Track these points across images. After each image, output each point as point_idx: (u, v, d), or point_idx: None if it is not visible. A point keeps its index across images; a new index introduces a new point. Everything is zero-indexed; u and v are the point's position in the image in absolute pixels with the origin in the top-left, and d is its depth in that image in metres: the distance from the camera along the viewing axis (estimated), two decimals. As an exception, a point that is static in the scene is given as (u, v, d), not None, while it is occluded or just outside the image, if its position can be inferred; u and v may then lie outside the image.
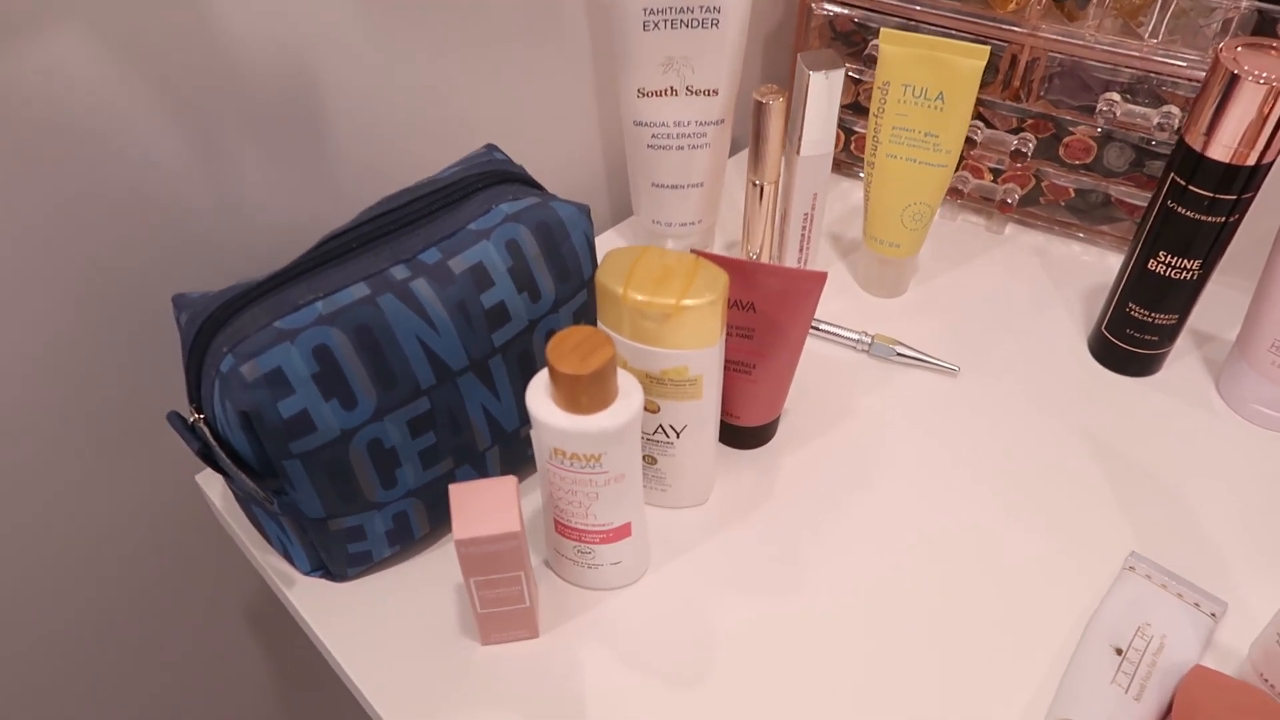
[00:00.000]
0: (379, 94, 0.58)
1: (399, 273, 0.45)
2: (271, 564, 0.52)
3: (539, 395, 0.43)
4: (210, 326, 0.44)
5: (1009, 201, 0.71)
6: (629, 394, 0.43)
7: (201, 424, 0.44)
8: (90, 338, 0.53)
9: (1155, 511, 0.54)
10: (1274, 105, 0.48)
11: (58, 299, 0.51)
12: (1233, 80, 0.49)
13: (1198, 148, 0.52)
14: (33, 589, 0.58)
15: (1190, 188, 0.53)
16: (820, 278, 0.49)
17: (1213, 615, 0.48)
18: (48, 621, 0.60)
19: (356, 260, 0.46)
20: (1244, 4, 0.60)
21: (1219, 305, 0.66)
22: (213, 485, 0.56)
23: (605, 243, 0.74)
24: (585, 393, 0.41)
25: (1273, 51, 0.50)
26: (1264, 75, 0.48)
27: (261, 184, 0.56)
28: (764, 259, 0.66)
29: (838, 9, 0.71)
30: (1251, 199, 0.53)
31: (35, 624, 0.60)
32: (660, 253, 0.46)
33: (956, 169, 0.73)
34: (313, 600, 0.51)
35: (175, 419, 0.45)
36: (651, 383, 0.47)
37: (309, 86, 0.55)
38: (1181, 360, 0.63)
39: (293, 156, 0.56)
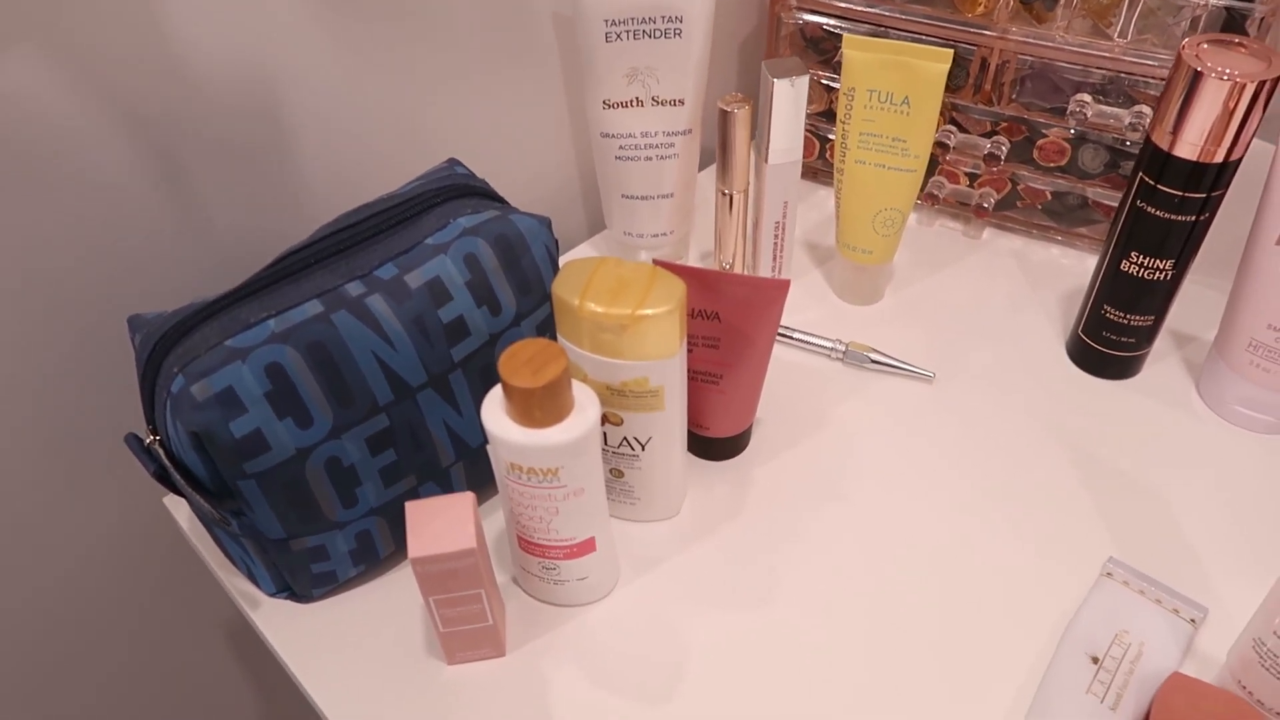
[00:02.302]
0: (344, 111, 0.58)
1: (354, 289, 0.45)
2: (237, 586, 0.52)
3: (494, 410, 0.42)
4: (162, 347, 0.43)
5: (985, 206, 0.71)
6: (585, 407, 0.42)
7: (156, 445, 0.44)
8: (52, 360, 0.53)
9: (1134, 516, 0.53)
10: (1239, 101, 0.48)
11: (20, 321, 0.50)
12: (1196, 77, 0.48)
13: (1165, 146, 0.51)
14: (4, 613, 0.58)
15: (1159, 187, 0.52)
16: (784, 285, 0.49)
17: (1192, 621, 0.48)
18: (21, 645, 0.59)
19: (311, 277, 0.45)
20: (1212, 2, 0.60)
21: (1197, 306, 0.65)
22: (179, 508, 0.56)
23: (581, 255, 0.73)
24: (539, 406, 0.40)
25: (1238, 48, 0.49)
26: (1227, 71, 0.48)
27: (224, 202, 0.56)
28: (737, 268, 0.65)
29: (808, 16, 0.71)
30: (1222, 196, 0.52)
31: (8, 648, 0.59)
32: (617, 263, 0.46)
33: (931, 174, 0.73)
34: (278, 622, 0.50)
35: (132, 440, 0.44)
36: (612, 395, 0.47)
37: (272, 104, 0.55)
38: (1161, 362, 0.62)
39: (256, 174, 0.56)
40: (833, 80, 0.73)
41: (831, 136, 0.76)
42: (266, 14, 0.52)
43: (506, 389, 0.41)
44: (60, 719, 0.64)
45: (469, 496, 0.43)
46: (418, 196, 0.49)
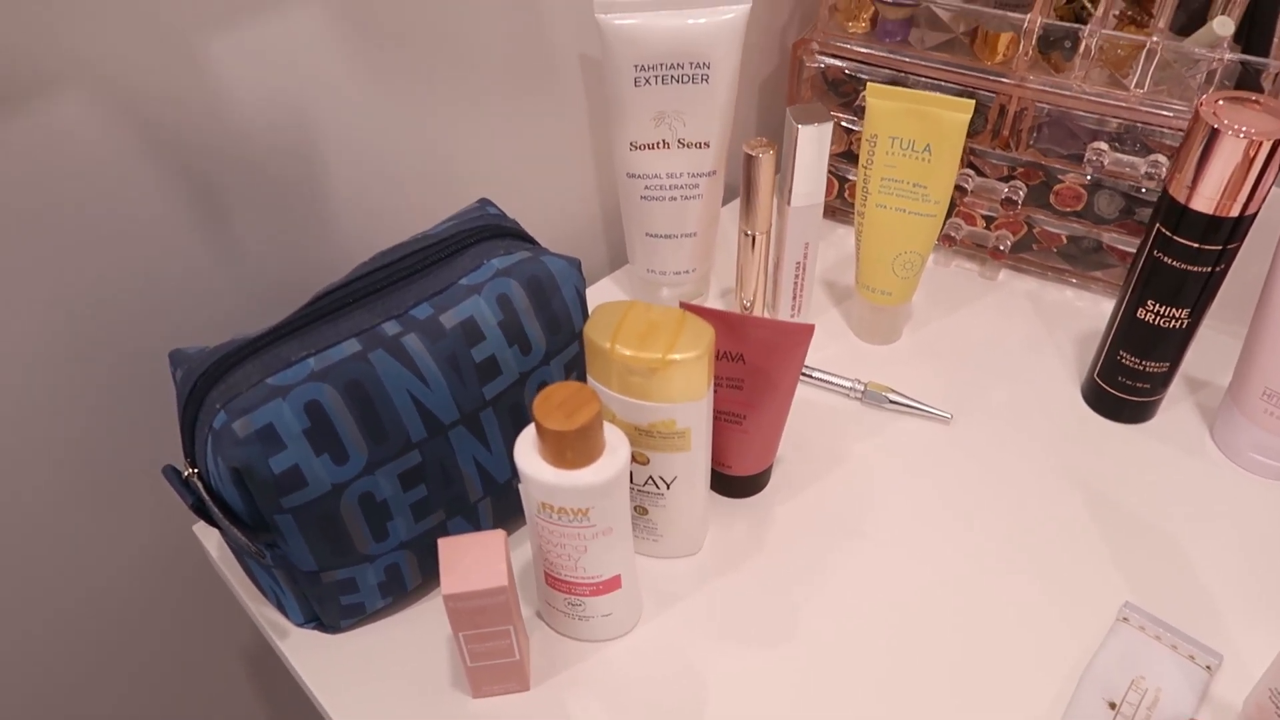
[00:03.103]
0: (376, 149, 0.60)
1: (390, 328, 0.46)
2: (265, 615, 0.53)
3: (527, 450, 0.43)
4: (204, 383, 0.44)
5: (1001, 248, 0.72)
6: (615, 448, 0.43)
7: (195, 478, 0.45)
8: (91, 391, 0.54)
9: (1149, 561, 0.54)
10: (1255, 158, 0.49)
11: (59, 352, 0.52)
12: (1213, 134, 0.49)
13: (1181, 199, 0.52)
14: (30, 636, 0.59)
15: (1176, 238, 0.53)
16: (808, 330, 0.50)
17: (1208, 668, 0.48)
18: (45, 670, 0.60)
19: (349, 316, 0.47)
20: (1228, 56, 0.61)
21: (1212, 351, 0.66)
22: (209, 536, 0.57)
23: (602, 291, 0.74)
24: (571, 448, 0.41)
25: (1253, 105, 0.51)
26: (1244, 129, 0.49)
27: (259, 239, 0.57)
28: (758, 307, 0.66)
29: (830, 60, 0.72)
30: (1237, 249, 0.53)
31: (32, 672, 0.60)
32: (646, 307, 0.47)
33: (948, 216, 0.74)
34: (305, 652, 0.51)
35: (170, 473, 0.45)
36: (640, 435, 0.48)
37: (306, 142, 0.56)
38: (1175, 407, 0.63)
39: (290, 211, 0.57)
40: (852, 123, 0.74)
41: (850, 177, 0.77)
42: (304, 56, 0.53)
43: (540, 431, 0.42)
44: (82, 741, 0.65)
45: (500, 534, 0.44)
46: (452, 237, 0.50)
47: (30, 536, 0.55)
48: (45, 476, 0.54)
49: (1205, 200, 0.51)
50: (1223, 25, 0.60)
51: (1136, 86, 0.64)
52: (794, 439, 0.61)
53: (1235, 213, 0.51)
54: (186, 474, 0.45)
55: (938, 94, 0.58)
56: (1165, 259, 0.54)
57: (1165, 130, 0.63)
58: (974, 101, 0.57)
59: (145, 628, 0.64)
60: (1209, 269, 0.54)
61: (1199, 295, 0.55)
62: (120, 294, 0.53)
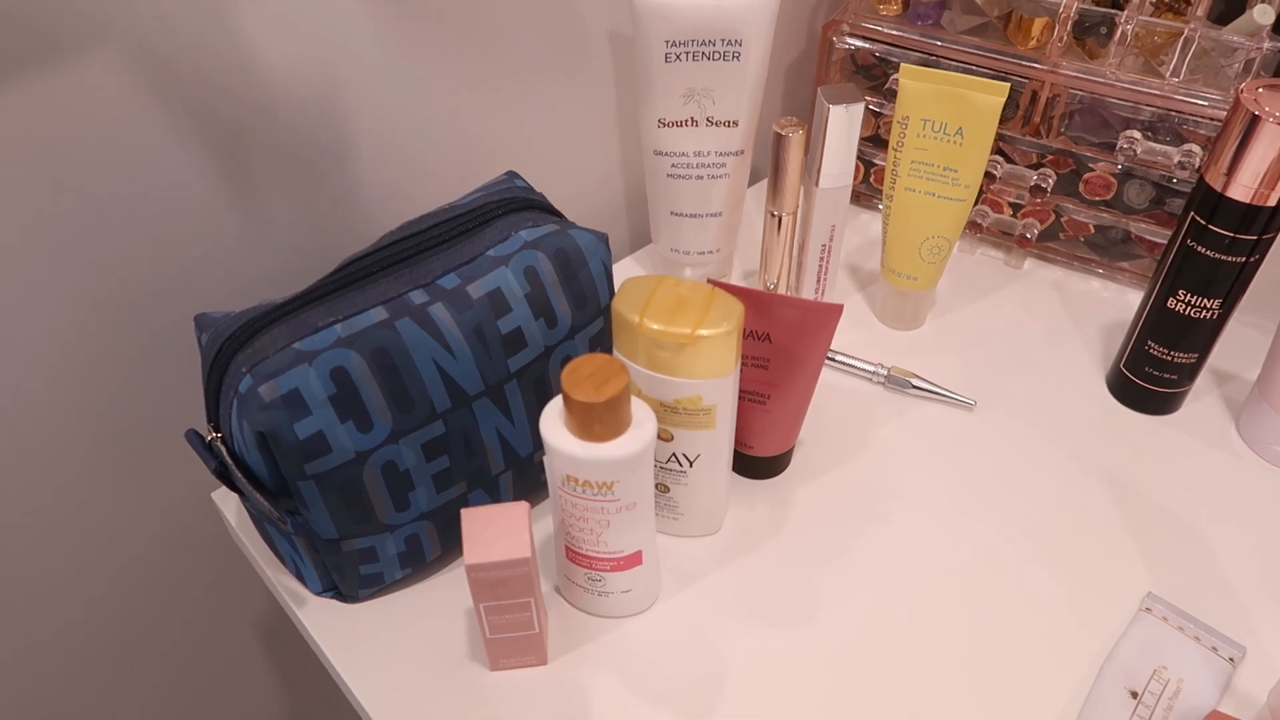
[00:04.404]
0: (403, 119, 0.59)
1: (417, 297, 0.46)
2: (283, 583, 0.53)
3: (553, 422, 0.43)
4: (230, 347, 0.44)
5: (1028, 236, 0.71)
6: (642, 422, 0.43)
7: (219, 443, 0.45)
8: (113, 354, 0.54)
9: (1173, 552, 0.54)
10: (1295, 146, 0.48)
11: (83, 315, 0.52)
12: (1254, 121, 0.49)
13: (1218, 187, 0.52)
14: (47, 602, 0.59)
15: (1210, 227, 0.53)
16: (836, 310, 0.50)
17: (1231, 660, 0.48)
18: (61, 636, 0.61)
19: (376, 284, 0.46)
20: (1266, 45, 0.60)
21: (1240, 344, 0.65)
22: (228, 503, 0.57)
23: (623, 270, 0.74)
24: (599, 421, 0.41)
25: (1295, 93, 0.50)
26: (1285, 116, 0.48)
27: (286, 205, 0.57)
28: (781, 289, 0.66)
29: (859, 43, 0.72)
30: (1273, 239, 0.53)
31: (49, 638, 0.60)
32: (676, 282, 0.46)
33: (975, 203, 0.73)
34: (323, 620, 0.51)
35: (193, 437, 0.45)
36: (665, 411, 0.48)
37: (335, 111, 0.56)
38: (1201, 399, 0.63)
39: (317, 179, 0.57)
40: (880, 106, 0.74)
41: (877, 161, 0.77)
42: (334, 23, 0.53)
43: (568, 402, 0.41)
44: (88, 703, 0.65)
45: (523, 506, 0.44)
46: (479, 208, 0.50)
47: (47, 499, 0.55)
48: (71, 446, 0.54)
49: (1242, 188, 0.51)
50: (1263, 14, 0.59)
51: (1172, 75, 0.63)
52: (816, 422, 0.60)
53: (1272, 202, 0.50)
54: (210, 438, 0.45)
55: (971, 76, 0.58)
56: (1198, 248, 0.54)
57: (1200, 119, 0.62)
58: (1009, 85, 0.57)
59: (163, 595, 0.64)
60: (1243, 259, 0.53)
61: (1231, 286, 0.54)
62: (146, 262, 0.52)
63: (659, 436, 0.49)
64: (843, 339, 0.67)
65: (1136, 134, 0.64)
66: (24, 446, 0.53)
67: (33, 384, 0.51)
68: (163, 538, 0.62)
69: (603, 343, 0.52)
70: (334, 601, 0.52)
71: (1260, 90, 0.50)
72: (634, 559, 0.47)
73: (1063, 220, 0.71)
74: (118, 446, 0.57)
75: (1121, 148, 0.65)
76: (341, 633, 0.50)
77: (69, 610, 0.60)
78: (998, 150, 0.71)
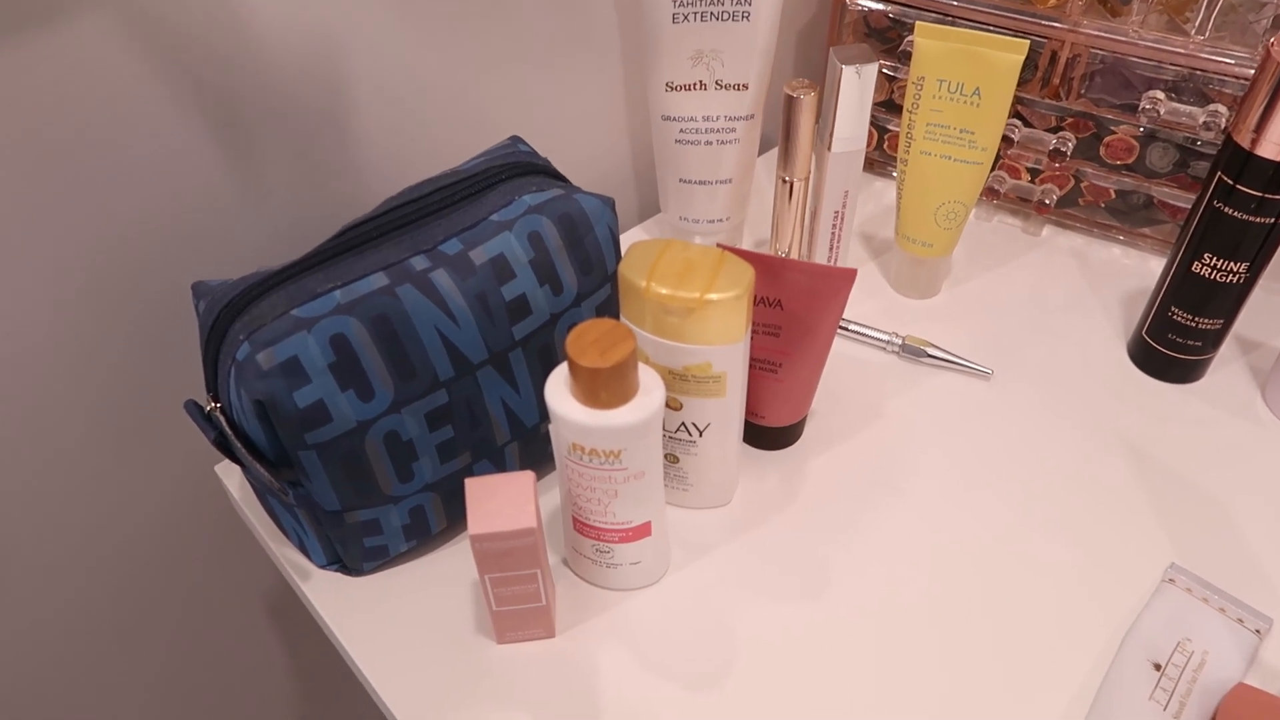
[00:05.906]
0: (405, 84, 0.58)
1: (419, 263, 0.45)
2: (287, 556, 0.52)
3: (558, 389, 0.42)
4: (227, 314, 0.43)
5: (1046, 202, 0.70)
6: (650, 389, 0.42)
7: (218, 413, 0.44)
8: (111, 324, 0.53)
9: (1196, 523, 0.52)
10: (1328, 101, 0.46)
11: (79, 284, 0.51)
12: (1285, 75, 0.47)
13: (1246, 145, 0.50)
14: (48, 579, 0.58)
15: (1238, 187, 0.51)
16: (850, 275, 0.48)
17: (1257, 632, 0.46)
18: (63, 612, 0.60)
19: (376, 250, 0.45)
20: (1296, -1, 0.58)
21: (1266, 311, 0.63)
22: (231, 476, 0.56)
23: (632, 239, 0.73)
24: (605, 387, 0.40)
25: (1327, 46, 0.48)
26: (1318, 69, 0.46)
27: (285, 172, 0.56)
28: (793, 257, 0.64)
29: (872, 4, 0.70)
30: (1303, 200, 0.51)
31: (50, 615, 0.60)
32: (684, 246, 0.45)
33: (993, 168, 0.71)
34: (327, 594, 0.50)
35: (192, 407, 0.44)
36: (674, 379, 0.46)
37: (335, 75, 0.55)
38: (1225, 367, 0.61)
39: (317, 145, 0.56)
40: (894, 70, 0.72)
41: (891, 127, 0.75)
42: (335, -16, 0.52)
43: (573, 368, 0.40)
44: (92, 678, 0.65)
45: (529, 475, 0.43)
46: (482, 173, 0.49)
47: (48, 474, 0.55)
48: (69, 417, 0.54)
49: (1273, 146, 0.49)
50: (1293, -34, 0.57)
51: (1197, 32, 0.61)
52: (828, 392, 0.59)
53: (1303, 160, 0.49)
54: (209, 408, 0.44)
55: (989, 34, 0.56)
56: (1225, 209, 0.52)
57: (1226, 79, 0.60)
58: (1028, 42, 0.55)
59: (166, 569, 0.64)
60: (1272, 220, 0.51)
61: (1259, 248, 0.53)
62: (144, 228, 0.51)
63: (668, 405, 0.48)
64: (856, 308, 0.65)
65: (1160, 95, 0.62)
66: (21, 419, 0.52)
67: (29, 355, 0.51)
68: (165, 511, 0.61)
69: (610, 310, 0.51)
70: (339, 574, 0.51)
71: (1292, 43, 0.48)
72: (643, 530, 0.46)
73: (1082, 185, 0.69)
74: (117, 418, 0.56)
75: (1144, 109, 0.63)
76: (346, 606, 0.50)
77: (71, 586, 0.59)
78: (1016, 114, 0.69)
